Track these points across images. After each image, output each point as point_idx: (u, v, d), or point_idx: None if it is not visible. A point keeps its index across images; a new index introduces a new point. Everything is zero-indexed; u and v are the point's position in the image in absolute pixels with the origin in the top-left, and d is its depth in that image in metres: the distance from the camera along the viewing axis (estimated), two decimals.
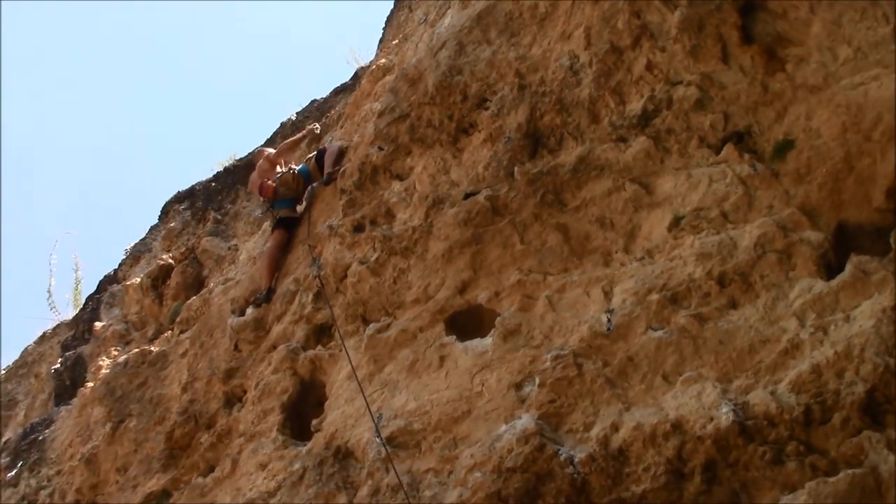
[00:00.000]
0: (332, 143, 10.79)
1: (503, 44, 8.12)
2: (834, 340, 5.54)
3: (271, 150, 11.58)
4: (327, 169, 10.21)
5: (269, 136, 13.42)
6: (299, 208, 10.78)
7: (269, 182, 10.82)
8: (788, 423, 5.50)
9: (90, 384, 12.24)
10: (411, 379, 7.81)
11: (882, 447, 5.20)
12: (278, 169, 11.13)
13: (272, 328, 9.80)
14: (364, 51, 12.81)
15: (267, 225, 11.31)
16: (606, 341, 6.59)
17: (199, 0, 50.47)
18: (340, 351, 8.69)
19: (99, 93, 49.47)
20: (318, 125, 12.10)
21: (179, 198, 14.20)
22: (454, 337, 7.71)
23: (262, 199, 11.12)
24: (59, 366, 13.91)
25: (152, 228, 14.59)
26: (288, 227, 10.59)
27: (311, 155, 11.04)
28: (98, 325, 13.62)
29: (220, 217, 13.09)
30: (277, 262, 10.34)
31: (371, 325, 8.44)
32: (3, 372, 16.12)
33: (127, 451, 10.80)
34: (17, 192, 47.60)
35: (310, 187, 10.75)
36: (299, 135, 11.97)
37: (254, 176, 11.24)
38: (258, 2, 50.35)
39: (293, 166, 11.08)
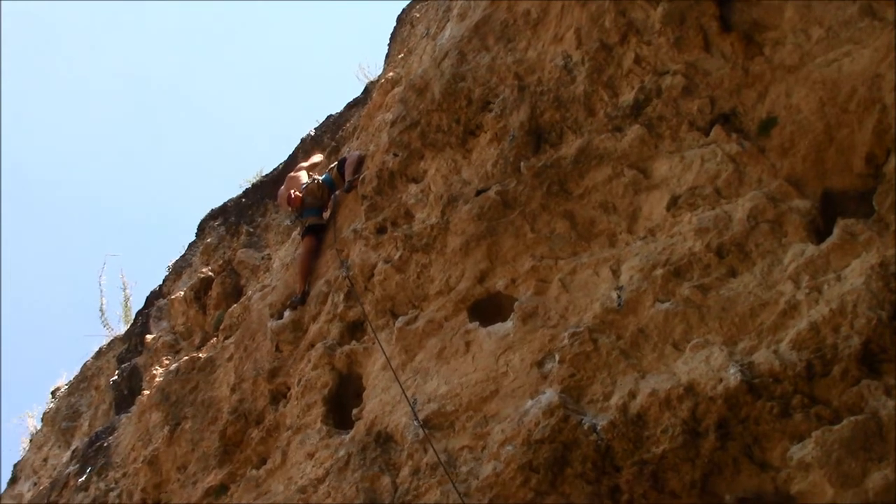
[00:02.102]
0: (351, 152, 10.82)
1: (501, 50, 8.14)
2: (828, 299, 5.54)
3: (297, 177, 11.57)
4: (348, 177, 10.25)
5: (290, 152, 13.46)
6: (325, 215, 10.80)
7: (297, 193, 10.86)
8: (792, 378, 5.50)
9: (146, 392, 12.31)
10: (441, 365, 7.84)
11: (881, 394, 5.21)
12: (305, 178, 11.18)
13: (309, 328, 9.84)
14: (372, 66, 12.81)
15: (296, 233, 11.33)
16: (618, 316, 6.60)
17: (213, 38, 50.44)
18: (374, 344, 8.72)
19: (120, 127, 49.61)
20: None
21: (213, 215, 14.27)
22: (477, 323, 7.74)
23: (290, 210, 11.14)
24: (116, 377, 14.01)
25: (191, 245, 14.67)
26: (316, 234, 10.61)
27: (332, 165, 11.08)
28: (149, 337, 13.70)
29: (252, 230, 13.15)
30: (309, 266, 10.37)
31: (400, 319, 8.47)
32: (66, 387, 16.23)
33: (185, 451, 10.86)
34: (58, 221, 47.92)
35: (333, 195, 10.77)
36: (309, 162, 12.02)
37: (282, 191, 11.29)
38: (269, 27, 50.40)
39: (317, 177, 11.11)
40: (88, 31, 47.89)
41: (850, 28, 5.78)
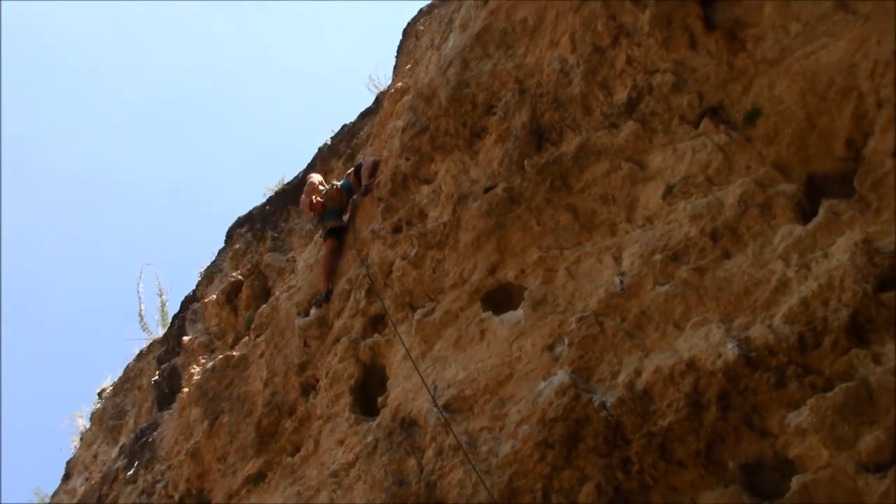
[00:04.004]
0: (366, 158, 10.83)
1: (501, 56, 8.15)
2: (817, 275, 5.56)
3: (314, 179, 11.57)
4: (364, 181, 10.27)
5: (309, 161, 13.48)
6: (345, 218, 10.83)
7: (318, 199, 10.90)
8: (786, 350, 5.53)
9: (186, 390, 12.37)
10: (458, 353, 7.87)
11: (869, 361, 5.23)
12: (322, 188, 11.22)
13: (334, 323, 9.87)
14: (382, 77, 12.82)
15: (318, 236, 11.36)
16: (621, 300, 6.63)
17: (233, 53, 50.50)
18: (394, 336, 8.75)
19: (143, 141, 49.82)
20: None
21: (240, 222, 14.29)
22: (490, 312, 7.76)
23: (312, 215, 11.18)
24: (157, 377, 14.06)
25: (220, 251, 14.69)
26: (337, 236, 10.64)
27: (349, 171, 11.10)
28: (185, 339, 13.74)
29: (276, 235, 13.17)
30: (332, 266, 10.40)
31: (418, 311, 8.51)
32: (111, 388, 16.32)
33: (224, 443, 10.91)
34: (89, 233, 48.31)
35: (352, 199, 10.80)
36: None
37: (303, 198, 11.30)
38: (284, 44, 50.49)
39: (335, 182, 11.15)
40: (102, 37, 48.12)
41: (825, 22, 5.79)
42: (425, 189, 8.87)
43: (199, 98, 50.74)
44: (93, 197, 49.18)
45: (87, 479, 15.09)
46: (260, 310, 11.91)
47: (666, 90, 6.70)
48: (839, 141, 5.76)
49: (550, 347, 7.01)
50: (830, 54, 5.74)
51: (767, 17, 6.13)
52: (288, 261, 12.49)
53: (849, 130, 5.69)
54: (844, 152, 5.74)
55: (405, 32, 12.07)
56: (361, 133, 12.39)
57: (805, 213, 5.89)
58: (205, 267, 14.94)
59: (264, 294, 12.60)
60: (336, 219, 10.83)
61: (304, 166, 13.52)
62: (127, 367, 16.22)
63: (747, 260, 6.01)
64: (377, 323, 9.30)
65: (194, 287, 14.94)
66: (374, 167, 10.25)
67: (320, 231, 11.19)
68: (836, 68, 5.71)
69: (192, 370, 12.63)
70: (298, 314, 10.55)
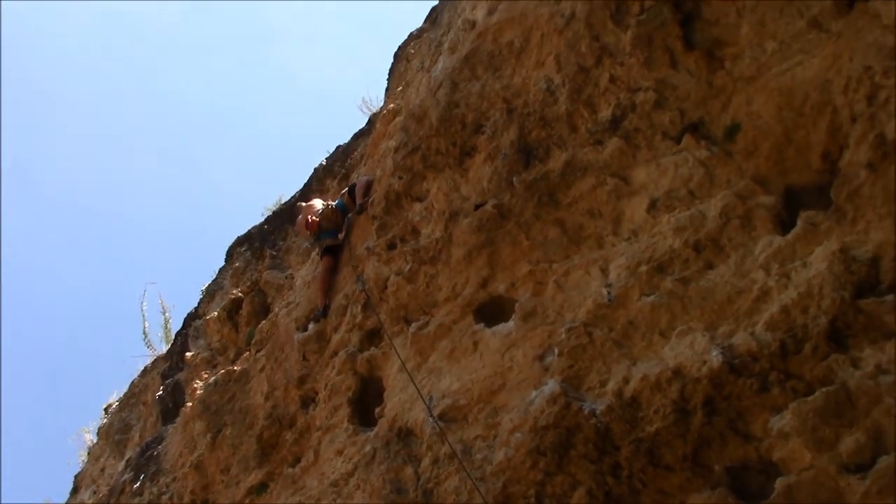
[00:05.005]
0: (360, 178, 10.84)
1: (489, 78, 8.17)
2: (796, 284, 5.57)
3: (311, 205, 11.52)
4: (359, 200, 10.25)
5: (305, 181, 13.47)
6: (340, 236, 10.82)
7: (314, 218, 10.89)
8: (768, 356, 5.53)
9: (189, 404, 12.33)
10: (452, 364, 7.86)
11: (848, 366, 5.24)
12: (319, 206, 11.21)
13: (332, 338, 9.86)
14: (374, 99, 12.82)
15: (315, 254, 11.34)
16: (609, 310, 6.63)
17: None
18: (390, 349, 8.74)
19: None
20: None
21: (240, 242, 14.28)
22: (483, 324, 7.76)
23: (309, 234, 11.15)
24: (161, 392, 14.03)
25: (221, 270, 14.67)
26: (333, 253, 10.63)
27: (344, 190, 11.10)
28: (188, 354, 13.70)
29: (275, 253, 13.15)
30: (329, 282, 10.38)
31: (413, 325, 8.50)
32: (117, 403, 16.28)
33: (227, 455, 10.88)
34: (91, 252, 48.32)
35: (347, 217, 10.80)
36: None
37: (299, 219, 11.29)
38: (281, 70, 50.58)
39: (331, 202, 11.14)
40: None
41: (800, 40, 5.81)
42: (418, 206, 8.87)
43: (200, 121, 50.83)
44: (97, 218, 49.18)
45: (94, 493, 15.04)
46: (260, 326, 11.88)
47: (648, 107, 6.71)
48: (815, 154, 5.78)
49: (541, 357, 7.00)
50: (805, 71, 5.77)
51: (744, 35, 6.16)
52: (286, 278, 12.47)
53: (824, 144, 5.71)
54: (821, 165, 5.76)
55: (396, 56, 12.07)
56: (355, 153, 12.38)
57: (784, 224, 5.90)
58: (206, 285, 14.93)
59: (264, 310, 12.57)
60: (332, 237, 10.81)
61: (301, 186, 13.52)
62: (132, 382, 16.18)
63: (729, 270, 6.02)
64: (373, 337, 9.29)
65: (196, 305, 14.92)
66: (368, 186, 10.25)
67: (317, 249, 11.18)
68: (811, 84, 5.74)
69: (195, 385, 12.58)
70: (297, 329, 10.54)
